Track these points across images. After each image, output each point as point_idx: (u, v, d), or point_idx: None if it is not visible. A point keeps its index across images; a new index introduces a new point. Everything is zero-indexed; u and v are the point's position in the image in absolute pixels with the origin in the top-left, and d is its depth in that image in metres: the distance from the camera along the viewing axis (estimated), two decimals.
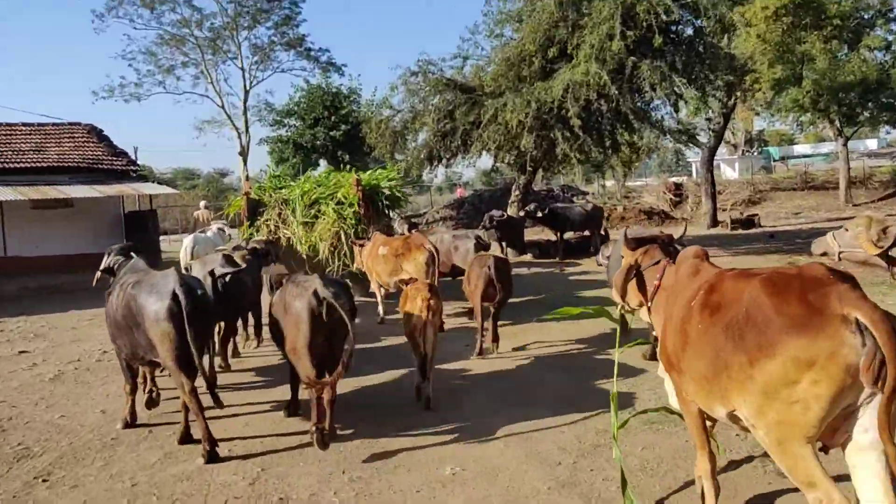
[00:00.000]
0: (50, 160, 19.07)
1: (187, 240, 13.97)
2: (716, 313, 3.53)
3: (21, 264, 17.91)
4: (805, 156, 61.57)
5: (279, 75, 57.78)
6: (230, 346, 8.92)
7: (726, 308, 3.47)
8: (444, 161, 19.79)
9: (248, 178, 46.78)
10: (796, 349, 2.96)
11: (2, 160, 18.59)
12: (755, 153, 62.28)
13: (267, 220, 13.50)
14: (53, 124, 21.67)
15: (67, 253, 17.18)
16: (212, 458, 5.41)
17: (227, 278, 7.64)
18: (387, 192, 14.48)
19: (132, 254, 6.86)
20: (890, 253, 5.96)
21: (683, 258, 4.38)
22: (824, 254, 6.63)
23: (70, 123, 21.81)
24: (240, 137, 48.33)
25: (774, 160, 61.39)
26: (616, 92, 16.16)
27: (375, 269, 11.08)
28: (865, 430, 2.96)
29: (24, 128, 20.84)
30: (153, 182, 19.46)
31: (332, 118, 28.56)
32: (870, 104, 31.45)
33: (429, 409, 6.59)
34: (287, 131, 30.79)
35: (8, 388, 7.95)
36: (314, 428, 5.46)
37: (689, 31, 17.95)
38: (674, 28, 17.85)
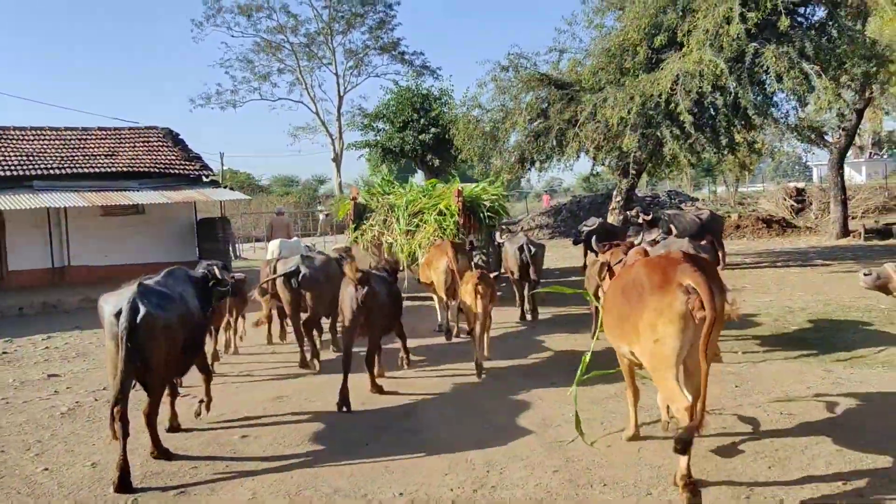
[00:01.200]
0: (121, 164, 18.45)
1: (273, 244, 14.47)
2: (622, 285, 5.21)
3: (86, 275, 17.37)
4: None
5: (373, 80, 57.74)
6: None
7: (627, 281, 5.12)
8: (537, 164, 18.14)
9: (339, 184, 46.74)
10: (654, 303, 4.58)
11: (72, 164, 18.09)
12: (885, 156, 57.90)
13: (372, 226, 14.15)
14: (130, 128, 21.17)
15: (137, 262, 15.85)
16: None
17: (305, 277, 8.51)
18: (488, 204, 14.13)
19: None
20: None
21: (631, 256, 5.92)
22: None
23: (146, 127, 21.26)
24: (333, 144, 48.26)
25: None
26: (734, 83, 14.15)
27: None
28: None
29: (98, 132, 20.30)
30: (227, 188, 18.52)
31: (422, 121, 27.34)
32: None
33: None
34: (375, 135, 29.84)
35: (12, 424, 6.97)
36: None
37: (820, 13, 15.61)
38: (802, 10, 15.61)
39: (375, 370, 7.57)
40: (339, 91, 49.41)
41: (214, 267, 7.53)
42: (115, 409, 5.07)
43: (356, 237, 14.43)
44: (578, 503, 4.59)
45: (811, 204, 31.28)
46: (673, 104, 14.42)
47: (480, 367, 7.98)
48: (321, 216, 32.70)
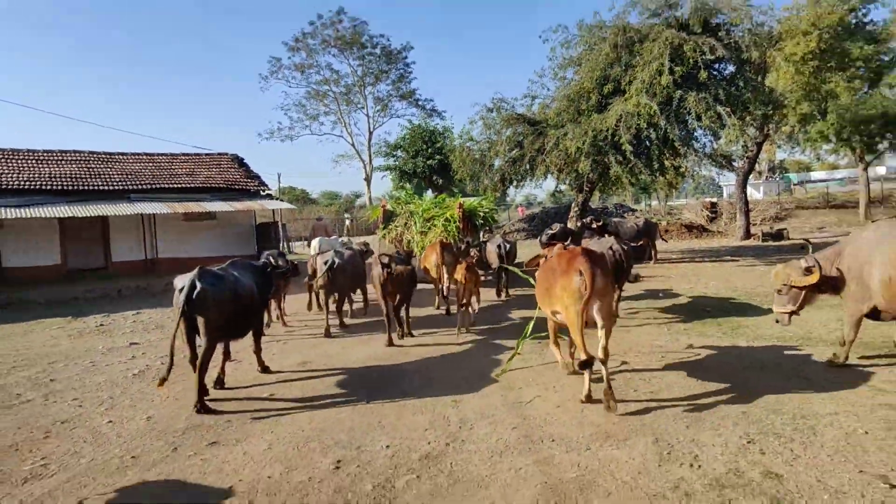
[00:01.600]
0: (197, 182, 18.15)
1: (315, 241, 14.15)
2: (546, 269, 5.82)
3: (170, 265, 16.91)
4: (821, 180, 56.01)
5: (395, 119, 57.47)
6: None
7: (549, 267, 5.69)
8: (514, 183, 17.62)
9: (370, 197, 46.30)
10: (562, 281, 5.17)
11: (160, 181, 17.82)
12: (777, 178, 57.52)
13: (396, 226, 14.23)
14: (207, 154, 20.76)
15: (209, 255, 15.54)
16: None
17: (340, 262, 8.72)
18: (481, 214, 14.46)
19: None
20: None
21: (554, 251, 6.02)
22: None
23: (219, 154, 20.89)
24: (365, 167, 47.77)
25: (794, 184, 56.24)
26: (664, 122, 13.65)
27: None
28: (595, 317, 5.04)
29: (182, 157, 20.08)
30: (278, 199, 18.14)
31: (429, 150, 26.96)
32: (888, 134, 27.16)
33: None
34: (395, 161, 29.40)
35: (93, 383, 6.57)
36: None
37: (731, 69, 15.06)
38: (716, 66, 15.08)
39: (399, 329, 8.12)
40: (369, 128, 48.82)
41: (271, 256, 7.89)
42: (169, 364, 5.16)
43: (384, 234, 14.65)
44: (529, 455, 4.21)
45: (722, 214, 30.74)
46: (618, 136, 13.89)
47: (463, 329, 8.42)
48: (347, 221, 33.30)
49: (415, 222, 13.84)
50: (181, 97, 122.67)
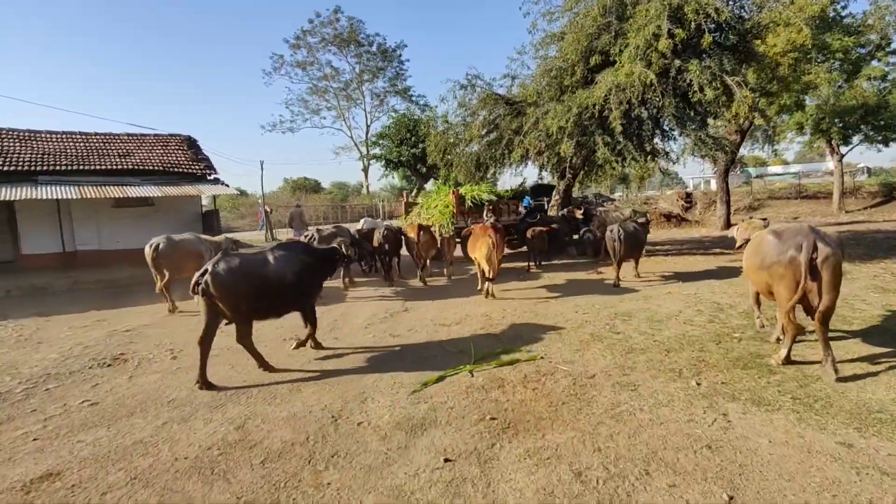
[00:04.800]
0: (131, 164, 13.79)
1: (361, 221, 13.93)
2: (474, 234, 8.57)
3: (95, 258, 13.12)
4: (777, 174, 53.63)
5: (392, 114, 53.70)
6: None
7: (473, 235, 8.53)
8: (491, 169, 14.02)
9: (367, 186, 42.58)
10: (481, 244, 7.99)
11: (83, 163, 13.39)
12: (738, 171, 54.01)
13: (411, 214, 13.60)
14: (155, 135, 16.13)
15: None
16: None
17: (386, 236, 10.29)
18: (480, 198, 12.92)
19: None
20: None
21: (476, 227, 9.00)
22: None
23: (169, 134, 16.37)
24: (362, 159, 44.04)
25: (753, 177, 53.10)
26: (659, 97, 10.06)
27: None
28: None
29: (124, 136, 15.50)
30: (223, 185, 13.99)
31: (413, 139, 23.33)
32: (862, 126, 23.55)
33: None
34: (381, 150, 25.74)
35: None
36: None
37: (733, 38, 11.40)
38: (717, 35, 11.44)
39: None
40: (366, 122, 44.98)
41: (342, 244, 7.63)
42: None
43: (406, 218, 13.89)
44: None
45: (696, 204, 27.39)
46: (607, 110, 10.34)
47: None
48: (293, 206, 28.17)
49: (423, 209, 13.24)
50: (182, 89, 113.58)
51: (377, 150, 26.24)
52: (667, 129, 12.00)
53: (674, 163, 12.72)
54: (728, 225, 20.26)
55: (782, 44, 18.03)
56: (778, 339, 5.41)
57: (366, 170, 44.20)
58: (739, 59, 11.02)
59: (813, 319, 4.44)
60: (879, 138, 23.69)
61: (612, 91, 10.26)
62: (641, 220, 11.50)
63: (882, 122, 22.78)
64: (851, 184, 28.95)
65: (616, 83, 10.23)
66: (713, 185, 45.53)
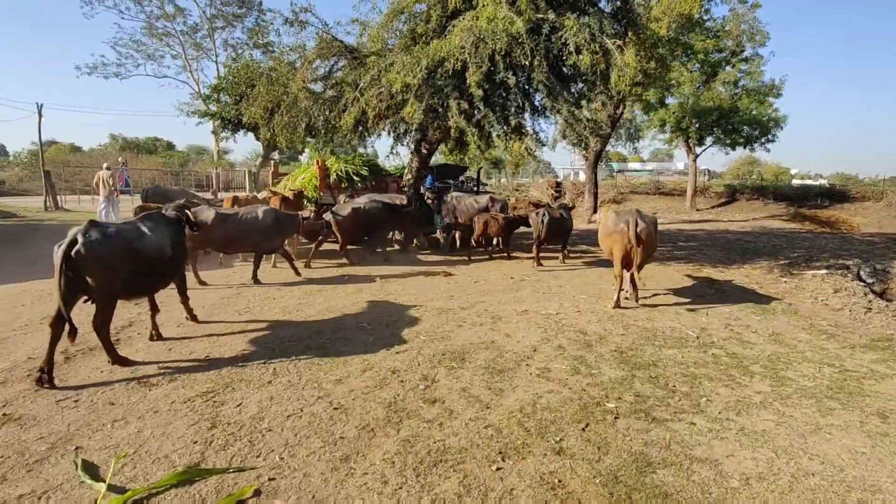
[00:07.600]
0: None
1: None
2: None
3: None
4: (636, 171, 57.54)
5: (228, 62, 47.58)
6: None
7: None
8: (322, 133, 10.96)
9: (218, 151, 36.68)
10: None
11: None
12: (604, 165, 57.09)
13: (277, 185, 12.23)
14: None
15: None
16: None
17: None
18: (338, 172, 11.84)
19: None
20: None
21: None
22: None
23: None
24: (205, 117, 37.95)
25: (615, 172, 56.28)
26: (529, 54, 7.89)
27: None
28: None
29: None
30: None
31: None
32: (715, 129, 24.49)
33: None
34: (216, 107, 21.23)
35: None
36: None
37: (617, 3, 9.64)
38: None
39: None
40: (218, 76, 38.75)
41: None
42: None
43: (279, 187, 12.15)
44: None
45: (565, 194, 27.04)
46: (465, 67, 7.95)
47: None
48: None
49: (288, 181, 12.46)
50: None
51: (213, 107, 21.54)
52: (538, 104, 10.01)
53: (543, 145, 10.75)
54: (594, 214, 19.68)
55: (663, 7, 16.98)
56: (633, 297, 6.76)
57: (216, 131, 38.19)
58: (623, 24, 9.30)
59: (631, 271, 6.38)
60: (728, 141, 24.80)
61: (472, 42, 7.86)
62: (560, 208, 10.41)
63: (731, 127, 23.74)
64: (702, 184, 30.62)
65: (476, 32, 7.85)
66: (581, 177, 47.06)
